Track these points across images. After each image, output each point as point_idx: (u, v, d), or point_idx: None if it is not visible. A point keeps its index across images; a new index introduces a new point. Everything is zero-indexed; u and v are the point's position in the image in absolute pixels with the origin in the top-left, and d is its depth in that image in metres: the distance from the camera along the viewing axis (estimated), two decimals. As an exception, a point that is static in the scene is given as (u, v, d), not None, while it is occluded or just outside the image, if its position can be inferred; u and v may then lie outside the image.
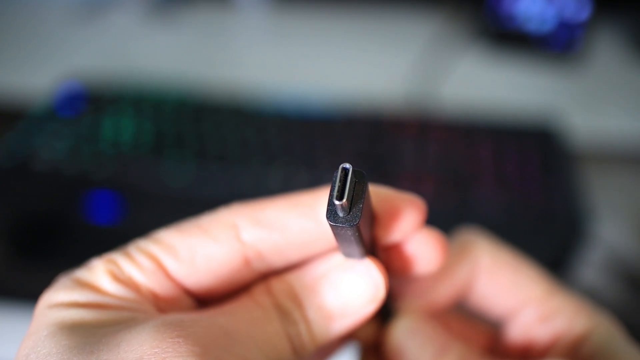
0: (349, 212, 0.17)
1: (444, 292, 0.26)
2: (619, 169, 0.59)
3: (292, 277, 0.22)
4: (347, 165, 0.16)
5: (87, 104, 0.58)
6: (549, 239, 0.48)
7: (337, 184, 0.16)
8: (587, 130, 0.63)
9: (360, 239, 0.18)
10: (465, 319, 0.28)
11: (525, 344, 0.26)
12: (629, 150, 0.61)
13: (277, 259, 0.21)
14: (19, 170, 0.52)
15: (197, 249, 0.21)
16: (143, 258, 0.20)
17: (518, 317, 0.26)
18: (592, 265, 0.49)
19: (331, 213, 0.17)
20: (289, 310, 0.21)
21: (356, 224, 0.17)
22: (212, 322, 0.19)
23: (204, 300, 0.22)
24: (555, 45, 0.73)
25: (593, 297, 0.47)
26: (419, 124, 0.57)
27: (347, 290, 0.21)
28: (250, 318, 0.20)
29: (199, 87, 0.63)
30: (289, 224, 0.21)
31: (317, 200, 0.21)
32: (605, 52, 0.77)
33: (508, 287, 0.26)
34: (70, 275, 0.21)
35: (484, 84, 0.71)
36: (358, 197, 0.17)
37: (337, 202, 0.16)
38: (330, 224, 0.17)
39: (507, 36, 0.75)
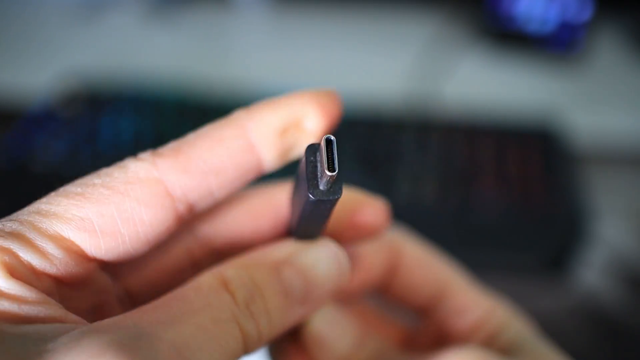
0: (330, 185, 0.17)
1: (358, 280, 0.26)
2: (621, 169, 0.59)
3: (250, 264, 0.19)
4: (332, 137, 0.16)
5: (86, 104, 0.58)
6: (550, 239, 0.48)
7: (326, 155, 0.16)
8: (589, 131, 0.62)
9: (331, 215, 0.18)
10: (382, 315, 0.28)
11: (441, 336, 0.26)
12: (631, 150, 0.61)
13: (207, 204, 0.19)
14: (18, 171, 0.51)
15: (118, 217, 0.17)
16: (47, 242, 0.16)
17: (435, 310, 0.26)
18: (593, 266, 0.49)
19: (314, 188, 0.16)
20: (250, 305, 0.18)
21: (340, 196, 0.17)
22: (163, 342, 0.15)
23: (125, 275, 0.19)
24: (557, 46, 0.73)
25: (594, 297, 0.47)
26: (420, 124, 0.57)
27: (314, 275, 0.19)
28: (203, 328, 0.16)
29: (199, 87, 0.63)
30: (223, 163, 0.19)
31: (238, 131, 0.19)
32: (607, 53, 0.77)
33: (427, 281, 0.26)
34: None
35: (485, 85, 0.70)
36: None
37: (330, 174, 0.16)
38: (316, 200, 0.17)
39: (508, 37, 0.75)
